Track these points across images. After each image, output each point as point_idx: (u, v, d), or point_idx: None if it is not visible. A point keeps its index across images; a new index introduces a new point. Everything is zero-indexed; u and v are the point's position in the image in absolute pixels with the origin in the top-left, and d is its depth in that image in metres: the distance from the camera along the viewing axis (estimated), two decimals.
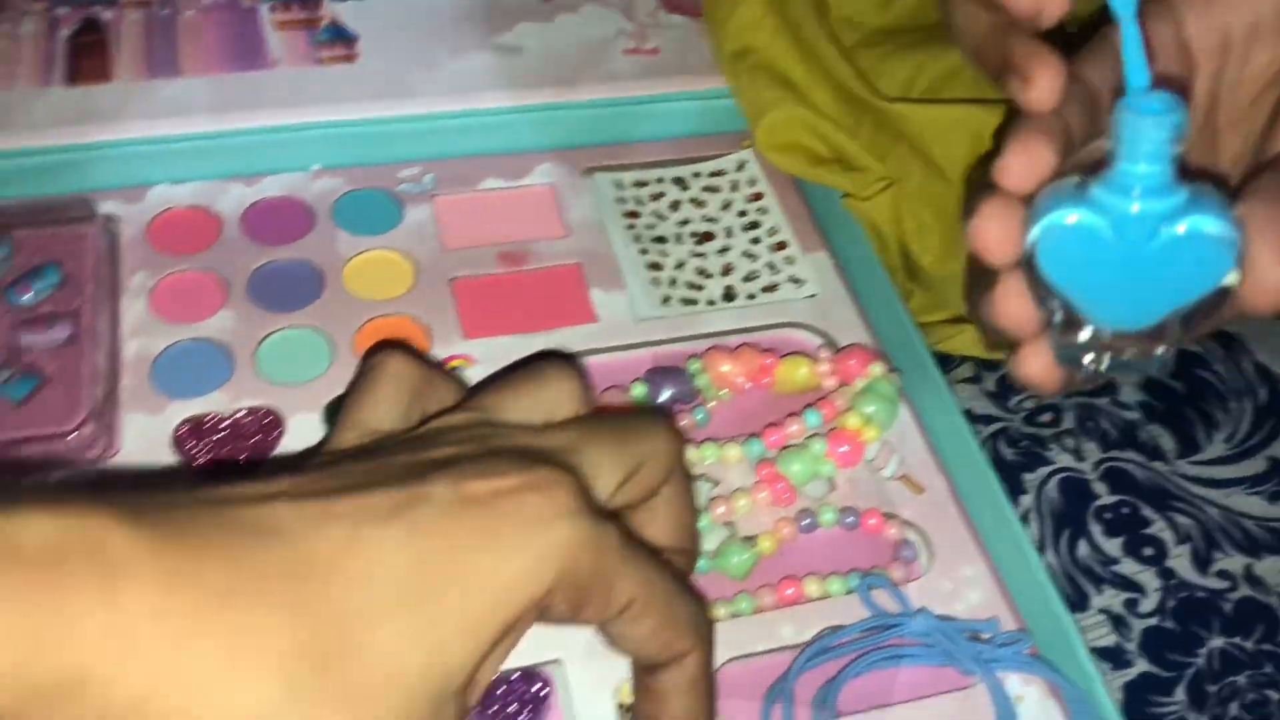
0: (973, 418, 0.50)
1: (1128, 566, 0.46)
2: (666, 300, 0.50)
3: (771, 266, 0.51)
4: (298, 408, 0.45)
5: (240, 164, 0.52)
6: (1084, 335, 0.31)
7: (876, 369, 0.46)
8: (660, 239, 0.52)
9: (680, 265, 0.51)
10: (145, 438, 0.43)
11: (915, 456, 0.45)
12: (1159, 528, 0.46)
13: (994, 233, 0.31)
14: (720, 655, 0.39)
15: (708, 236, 0.53)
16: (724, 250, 0.52)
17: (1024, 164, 0.30)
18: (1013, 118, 0.32)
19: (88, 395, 0.43)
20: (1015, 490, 0.47)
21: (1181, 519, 0.47)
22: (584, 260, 0.51)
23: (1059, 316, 0.31)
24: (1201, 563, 0.46)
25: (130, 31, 0.54)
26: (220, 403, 0.45)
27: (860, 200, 0.50)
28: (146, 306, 0.47)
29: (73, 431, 0.42)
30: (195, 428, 0.44)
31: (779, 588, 0.41)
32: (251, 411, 0.45)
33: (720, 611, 0.41)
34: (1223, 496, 0.47)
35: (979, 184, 0.32)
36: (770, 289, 0.51)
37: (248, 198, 0.52)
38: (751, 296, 0.50)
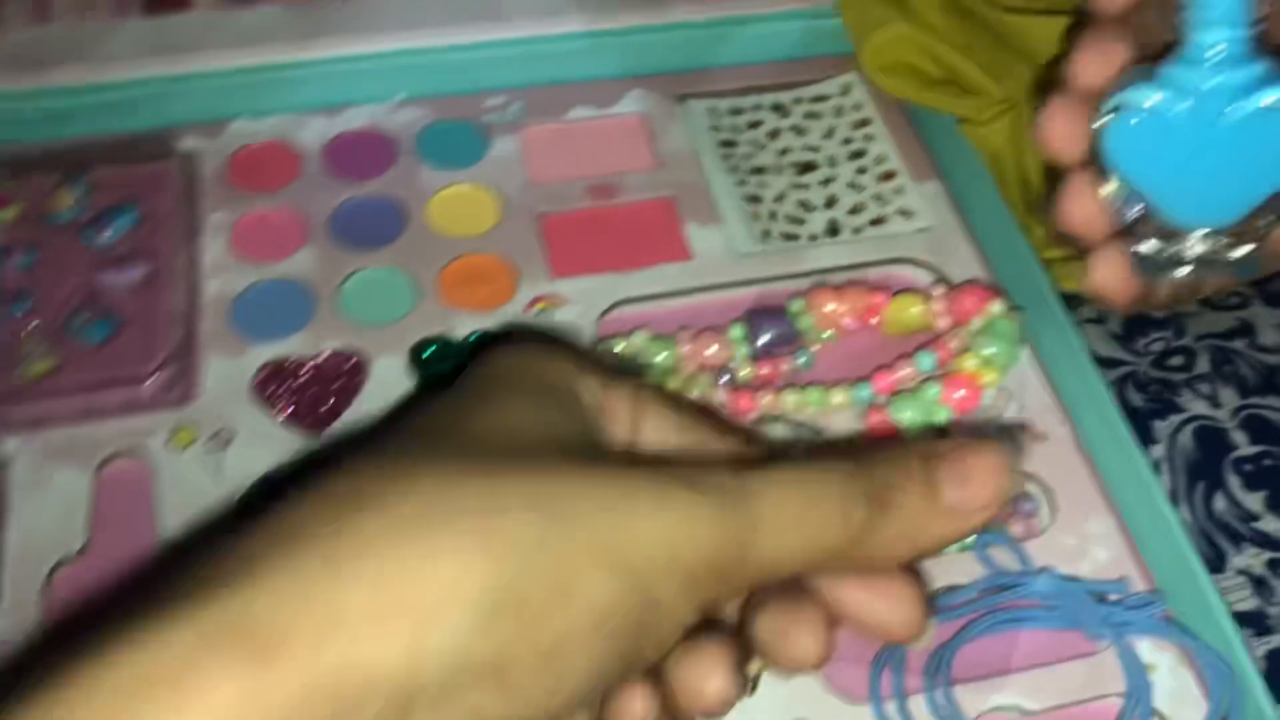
0: (1098, 361, 0.46)
1: (1270, 524, 0.42)
2: (766, 235, 0.47)
3: (879, 198, 0.48)
4: (382, 350, 0.43)
5: (321, 95, 0.50)
6: (1160, 234, 0.30)
7: (996, 307, 0.42)
8: (759, 170, 0.49)
9: (780, 198, 0.48)
10: (225, 382, 0.42)
11: (1036, 401, 0.42)
12: None
13: (1061, 127, 0.30)
14: None
15: (810, 167, 0.49)
16: (827, 181, 0.49)
17: (1094, 60, 0.29)
18: (1083, 17, 0.30)
19: (165, 338, 0.42)
20: (1145, 439, 0.44)
21: None
22: (678, 193, 0.48)
23: (1132, 215, 0.30)
24: None
25: None
26: (302, 345, 0.43)
27: (977, 126, 0.47)
28: (226, 245, 0.46)
29: (149, 376, 0.41)
30: (276, 371, 0.42)
31: None
32: (334, 354, 0.43)
33: None
34: None
35: (1049, 83, 0.30)
36: (878, 222, 0.47)
37: (329, 130, 0.50)
38: (857, 230, 0.47)
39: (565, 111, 0.51)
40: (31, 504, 0.39)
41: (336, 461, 0.26)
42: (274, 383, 0.42)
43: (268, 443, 0.41)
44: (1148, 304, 0.32)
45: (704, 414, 0.31)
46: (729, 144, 0.50)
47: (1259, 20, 0.26)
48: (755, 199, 0.48)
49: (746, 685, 0.28)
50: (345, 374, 0.43)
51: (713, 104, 0.51)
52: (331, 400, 0.42)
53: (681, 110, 0.51)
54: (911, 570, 0.29)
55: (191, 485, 0.39)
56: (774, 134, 0.50)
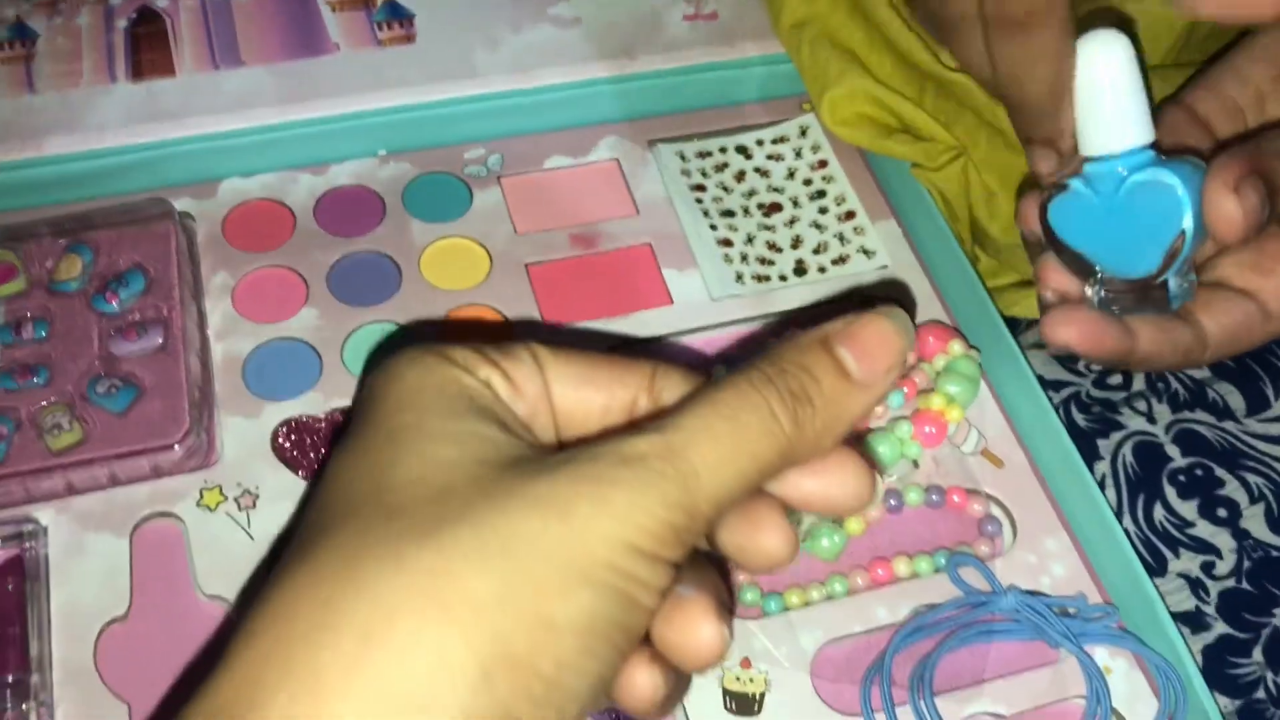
0: (1043, 384, 0.51)
1: (1203, 529, 0.47)
2: (740, 278, 0.50)
3: (841, 238, 0.52)
4: None
5: (308, 153, 0.52)
6: (1100, 282, 0.38)
7: (956, 347, 0.46)
8: (728, 212, 0.52)
9: (750, 240, 0.52)
10: (244, 442, 0.45)
11: (993, 430, 0.46)
12: (1232, 488, 0.47)
13: (1026, 213, 0.39)
14: (817, 638, 0.41)
15: (775, 208, 0.53)
16: (792, 221, 0.52)
17: (1044, 161, 0.38)
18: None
19: (186, 403, 0.44)
20: (1091, 457, 0.48)
21: (1253, 478, 0.48)
22: (654, 240, 0.51)
23: (1089, 276, 0.38)
24: (1275, 521, 0.47)
25: (188, 19, 0.54)
26: (314, 403, 0.46)
27: (929, 170, 0.50)
28: (230, 307, 0.48)
29: (177, 443, 0.43)
30: (293, 429, 0.45)
31: (870, 568, 0.43)
32: (346, 412, 0.46)
33: (814, 594, 0.42)
34: None
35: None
36: (840, 261, 0.51)
37: (318, 188, 0.52)
38: (823, 270, 0.51)
39: (542, 161, 0.54)
40: (72, 571, 0.41)
41: (281, 564, 0.26)
42: (291, 442, 0.45)
43: (291, 499, 0.43)
44: (1125, 358, 0.38)
45: (601, 358, 0.31)
46: (699, 188, 0.53)
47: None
48: (728, 242, 0.51)
49: (732, 619, 0.29)
50: None
51: (681, 148, 0.55)
52: None
53: (653, 154, 0.54)
54: (846, 445, 0.30)
55: (224, 543, 0.42)
56: (740, 176, 0.54)
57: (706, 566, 0.30)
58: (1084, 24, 0.36)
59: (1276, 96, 0.40)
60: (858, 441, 0.45)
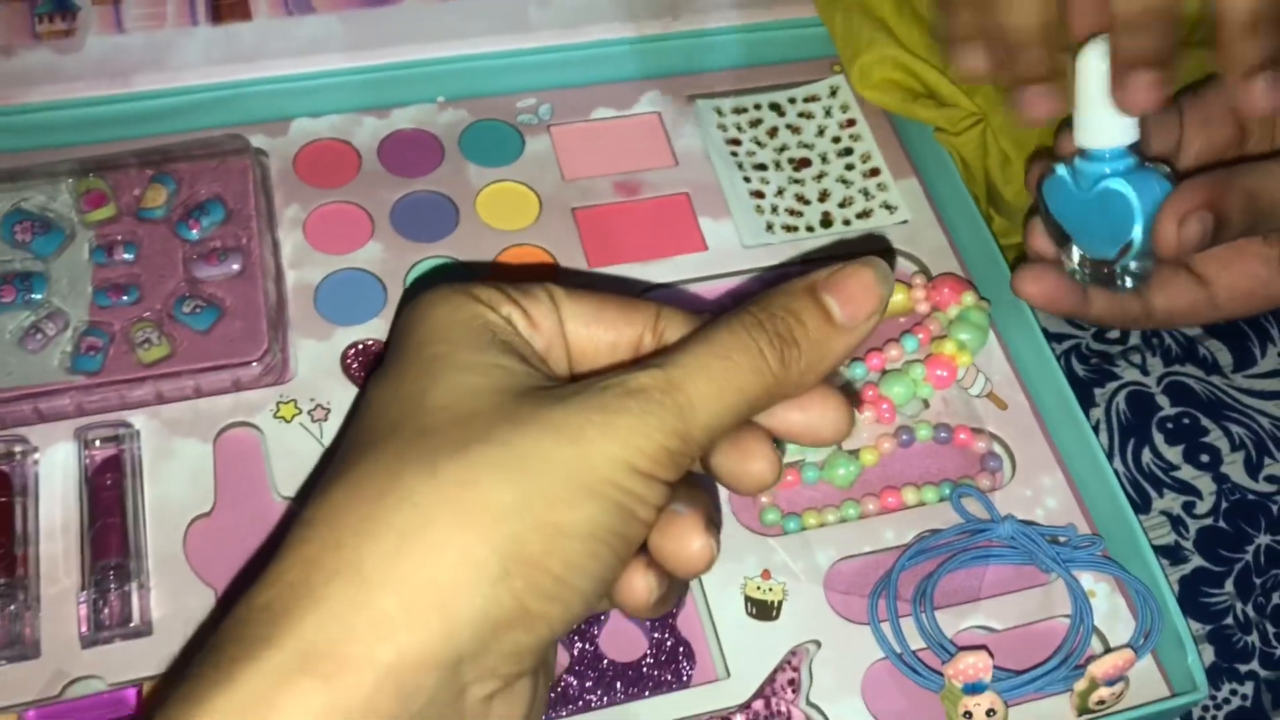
0: (1048, 336, 0.55)
1: (1186, 472, 0.51)
2: (770, 228, 0.54)
3: (865, 193, 0.56)
4: None
5: (372, 97, 0.56)
6: (1075, 255, 0.43)
7: (969, 298, 0.50)
8: (761, 166, 0.56)
9: (780, 192, 0.56)
10: (316, 362, 0.49)
11: (1000, 375, 0.51)
12: (1215, 436, 0.52)
13: (1030, 177, 0.44)
14: (830, 555, 0.45)
15: (804, 163, 0.57)
16: (820, 176, 0.56)
17: (1066, 141, 0.42)
18: None
19: (265, 324, 0.48)
20: (1087, 404, 0.52)
21: (1236, 428, 0.52)
22: (692, 190, 0.55)
23: (1064, 244, 0.43)
24: (1253, 468, 0.51)
25: None
26: (379, 329, 0.50)
27: (950, 135, 0.54)
28: (302, 238, 0.52)
29: (256, 360, 0.47)
30: (360, 351, 0.49)
31: (881, 496, 0.47)
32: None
33: (829, 517, 0.46)
34: (1274, 407, 0.53)
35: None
36: (864, 215, 0.55)
37: (381, 130, 0.56)
38: (847, 222, 0.55)
39: (589, 112, 0.58)
40: (162, 471, 0.46)
41: (329, 475, 0.30)
42: (360, 363, 0.49)
43: None
44: (1081, 317, 0.44)
45: (610, 299, 0.35)
46: (734, 142, 0.57)
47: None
48: (759, 194, 0.55)
49: (719, 536, 0.32)
50: None
51: (718, 103, 0.58)
52: None
53: (692, 109, 0.58)
54: (827, 382, 0.33)
55: (298, 451, 0.46)
56: (773, 131, 0.58)
57: (700, 488, 0.33)
58: None
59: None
60: (875, 382, 0.49)
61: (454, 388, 0.31)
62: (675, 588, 0.34)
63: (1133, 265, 0.42)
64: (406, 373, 0.32)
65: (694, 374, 0.31)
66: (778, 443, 0.34)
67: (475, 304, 0.33)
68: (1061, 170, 0.42)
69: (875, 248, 0.54)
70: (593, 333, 0.34)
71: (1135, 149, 0.41)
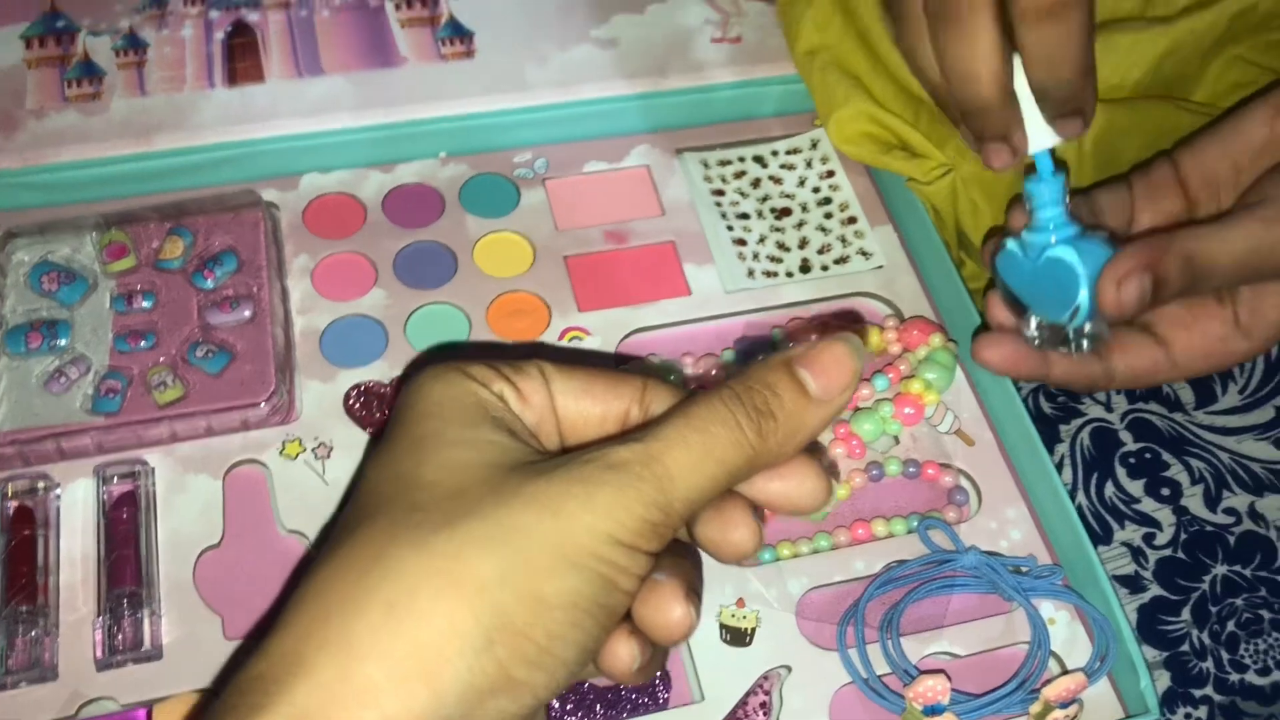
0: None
1: (1147, 505, 0.53)
2: (751, 274, 0.57)
3: (843, 240, 0.59)
4: None
5: (378, 154, 0.60)
6: (1032, 322, 0.45)
7: (937, 339, 0.53)
8: (744, 215, 0.59)
9: (762, 240, 0.59)
10: (320, 403, 0.52)
11: (968, 413, 0.53)
12: (1176, 471, 0.54)
13: (985, 252, 0.47)
14: (803, 584, 0.48)
15: (785, 212, 0.60)
16: (800, 224, 0.59)
17: (1018, 215, 0.45)
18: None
19: (273, 368, 0.51)
20: (1053, 440, 0.55)
21: (1196, 463, 0.54)
22: (677, 238, 0.58)
23: (1022, 313, 0.46)
24: (1212, 501, 0.53)
25: (276, 32, 0.62)
26: (381, 370, 0.53)
27: (922, 184, 0.57)
28: (310, 286, 0.56)
29: (264, 400, 0.51)
30: (362, 393, 0.52)
31: (852, 528, 0.50)
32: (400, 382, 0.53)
33: (802, 548, 0.49)
34: (1234, 443, 0.55)
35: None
36: (842, 261, 0.58)
37: (386, 184, 0.59)
38: (825, 268, 0.58)
39: (582, 165, 0.61)
40: (175, 505, 0.49)
41: (324, 550, 0.31)
42: (360, 403, 0.52)
43: (361, 450, 0.51)
44: (1043, 380, 0.47)
45: (599, 374, 0.36)
46: (719, 192, 0.60)
47: (1069, 206, 0.43)
48: (741, 241, 0.58)
49: (700, 604, 0.33)
50: None
51: (704, 156, 0.62)
52: None
53: (679, 162, 0.61)
54: (806, 453, 0.34)
55: (301, 486, 0.49)
56: (756, 183, 0.61)
57: (683, 555, 0.35)
58: None
59: (1251, 170, 0.46)
60: (847, 419, 0.52)
61: (445, 463, 0.32)
62: (658, 654, 0.35)
63: (1086, 328, 0.44)
64: (401, 450, 0.33)
65: (673, 447, 0.32)
66: (756, 512, 0.36)
67: (468, 381, 0.34)
68: (1011, 244, 0.45)
69: (852, 291, 0.57)
70: (582, 407, 0.35)
71: (1078, 219, 0.44)
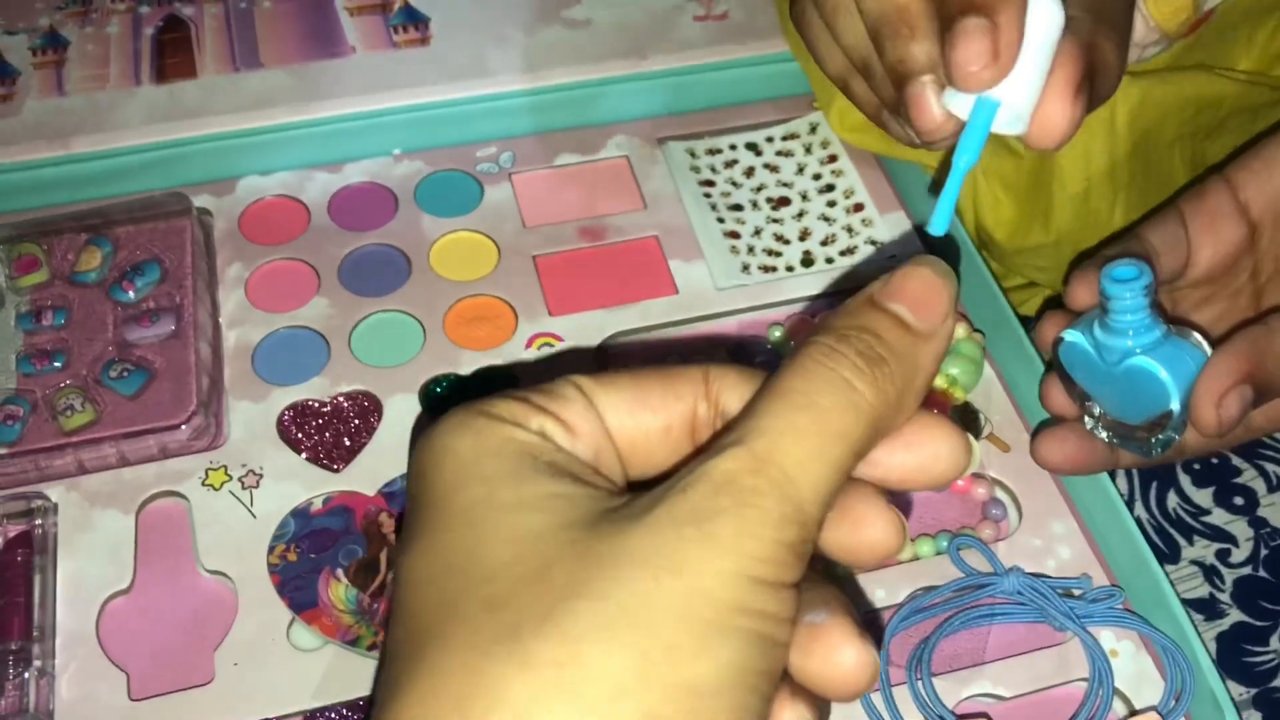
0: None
1: (1219, 517, 0.46)
2: (746, 269, 0.50)
3: (849, 229, 0.52)
4: (394, 390, 0.46)
5: (324, 152, 0.54)
6: (1096, 411, 0.41)
7: (960, 330, 0.46)
8: (736, 206, 0.53)
9: (758, 232, 0.52)
10: (250, 425, 0.45)
11: (1001, 415, 0.46)
12: (1249, 476, 0.47)
13: (1043, 334, 0.42)
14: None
15: (783, 202, 0.53)
16: (800, 215, 0.52)
17: (1082, 292, 0.40)
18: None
19: (195, 387, 0.45)
20: None
21: (1271, 466, 0.47)
22: (661, 232, 0.52)
23: (1085, 402, 0.41)
24: None
25: (212, 25, 0.56)
26: (320, 388, 0.46)
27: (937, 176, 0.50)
28: (244, 297, 0.49)
29: (183, 424, 0.44)
30: (298, 414, 0.46)
31: None
32: (350, 396, 0.46)
33: None
34: None
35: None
36: (848, 252, 0.51)
37: (332, 185, 0.53)
38: (830, 260, 0.51)
39: (553, 158, 0.54)
40: (79, 545, 0.42)
41: (391, 685, 0.24)
42: (296, 424, 0.45)
43: (294, 479, 0.44)
44: (1104, 468, 0.43)
45: (647, 376, 0.29)
46: (708, 183, 0.54)
47: (1153, 302, 0.38)
48: (734, 235, 0.52)
49: (872, 641, 0.26)
50: (361, 413, 0.46)
51: (691, 145, 0.55)
52: (349, 439, 0.45)
53: (662, 152, 0.55)
54: (925, 410, 0.28)
55: (226, 520, 0.43)
56: (749, 172, 0.54)
57: (825, 584, 0.27)
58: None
59: None
60: None
61: (510, 537, 0.25)
62: (824, 712, 0.28)
63: (1165, 435, 0.39)
64: (443, 533, 0.26)
65: (781, 439, 0.25)
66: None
67: (500, 425, 0.27)
68: (1080, 338, 0.39)
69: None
70: (640, 421, 0.28)
71: (1160, 312, 0.38)
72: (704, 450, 0.26)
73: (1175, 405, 0.38)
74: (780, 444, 0.25)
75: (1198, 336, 0.39)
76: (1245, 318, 0.43)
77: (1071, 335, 0.40)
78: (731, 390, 0.28)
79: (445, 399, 0.46)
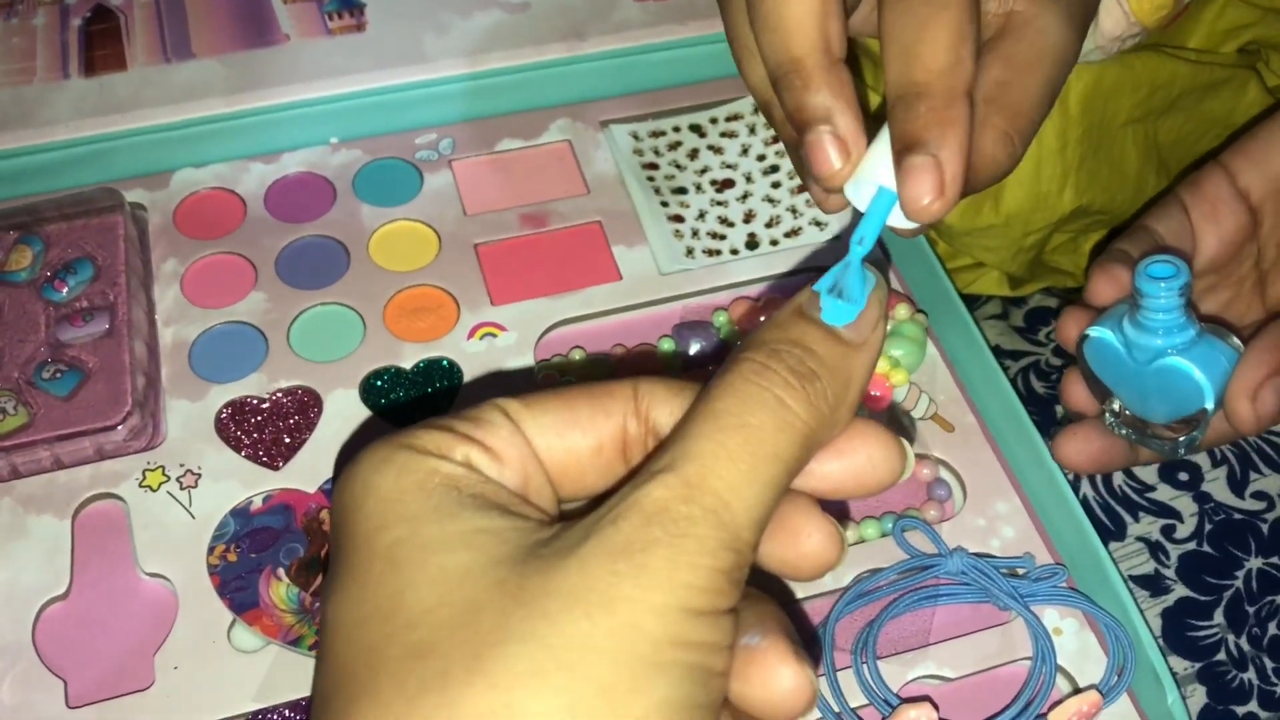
0: (1002, 353, 0.50)
1: (1164, 492, 0.46)
2: (690, 253, 0.50)
3: (794, 210, 0.51)
4: (335, 384, 0.46)
5: (259, 143, 0.53)
6: (1116, 406, 0.40)
7: (902, 310, 0.46)
8: (680, 189, 0.52)
9: (702, 215, 0.51)
10: (188, 424, 0.45)
11: (945, 395, 0.46)
12: None
13: (1065, 330, 0.41)
14: None
15: (727, 184, 0.52)
16: (745, 197, 0.52)
17: (1104, 287, 0.40)
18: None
19: (130, 386, 0.44)
20: (1047, 423, 0.47)
21: None
22: (604, 218, 0.51)
23: (1106, 399, 0.41)
24: (1238, 485, 0.46)
25: (141, 15, 0.55)
26: (259, 384, 0.46)
27: None
28: (179, 293, 0.48)
29: (119, 424, 0.43)
30: (236, 411, 0.45)
31: None
32: (289, 392, 0.46)
33: None
34: None
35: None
36: (793, 234, 0.51)
37: (269, 176, 0.52)
38: (775, 242, 0.50)
39: (495, 143, 0.54)
40: (12, 553, 0.41)
41: None
42: (235, 422, 0.45)
43: (233, 478, 0.43)
44: (1096, 470, 0.43)
45: (574, 395, 0.28)
46: (651, 166, 0.53)
47: (1188, 301, 0.37)
48: (678, 218, 0.51)
49: (810, 661, 0.26)
50: (301, 409, 0.45)
51: (634, 128, 0.54)
52: (288, 436, 0.45)
53: (605, 135, 0.54)
54: (859, 417, 0.27)
55: (165, 522, 0.42)
56: (693, 154, 0.54)
57: (760, 601, 0.27)
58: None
59: None
60: None
61: (435, 579, 0.24)
62: None
63: (1191, 435, 0.39)
64: (367, 576, 0.25)
65: (714, 463, 0.24)
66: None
67: (422, 458, 0.26)
68: (1109, 336, 0.39)
69: (805, 266, 0.49)
70: (569, 442, 0.27)
71: (1194, 310, 0.38)
72: (636, 472, 0.25)
73: (1209, 405, 0.37)
74: (713, 469, 0.24)
75: (1233, 338, 0.38)
76: (1251, 305, 0.43)
77: (1099, 332, 0.39)
78: (661, 405, 0.27)
79: (386, 393, 0.46)
